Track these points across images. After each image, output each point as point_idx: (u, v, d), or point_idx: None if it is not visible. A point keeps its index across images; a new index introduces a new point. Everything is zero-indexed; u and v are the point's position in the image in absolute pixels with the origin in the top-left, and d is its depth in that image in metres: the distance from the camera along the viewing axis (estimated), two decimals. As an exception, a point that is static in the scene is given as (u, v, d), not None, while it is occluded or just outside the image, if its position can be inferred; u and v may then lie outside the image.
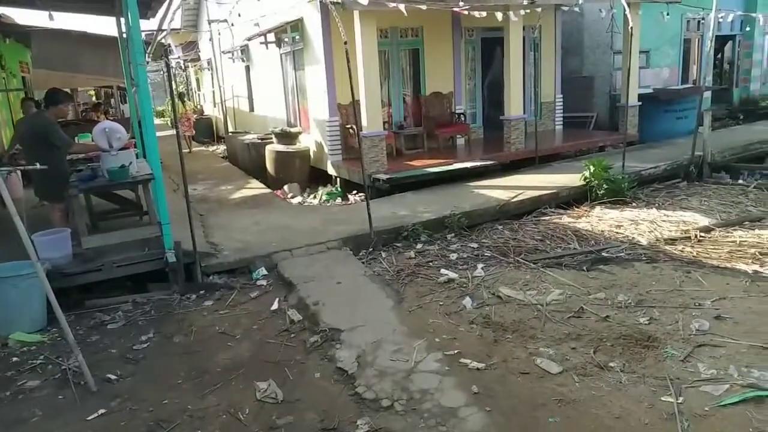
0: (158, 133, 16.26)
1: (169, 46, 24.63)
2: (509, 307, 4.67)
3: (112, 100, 24.78)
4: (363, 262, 5.98)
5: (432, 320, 4.50)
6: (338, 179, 10.31)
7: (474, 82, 12.19)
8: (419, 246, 6.51)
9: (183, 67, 27.25)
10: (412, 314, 4.65)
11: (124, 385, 3.96)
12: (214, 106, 21.17)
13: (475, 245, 6.45)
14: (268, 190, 9.94)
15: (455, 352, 3.93)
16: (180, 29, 21.73)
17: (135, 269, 5.69)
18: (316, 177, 10.99)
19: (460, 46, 11.52)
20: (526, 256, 5.89)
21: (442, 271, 5.55)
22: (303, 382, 3.81)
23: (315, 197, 10.09)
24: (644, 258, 5.67)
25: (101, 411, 3.61)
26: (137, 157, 6.46)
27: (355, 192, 9.60)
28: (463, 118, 11.48)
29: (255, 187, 10.24)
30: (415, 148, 11.07)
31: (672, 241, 6.19)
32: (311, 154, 11.12)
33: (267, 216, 7.77)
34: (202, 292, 5.63)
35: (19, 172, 5.38)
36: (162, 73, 33.43)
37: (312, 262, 5.91)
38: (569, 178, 8.72)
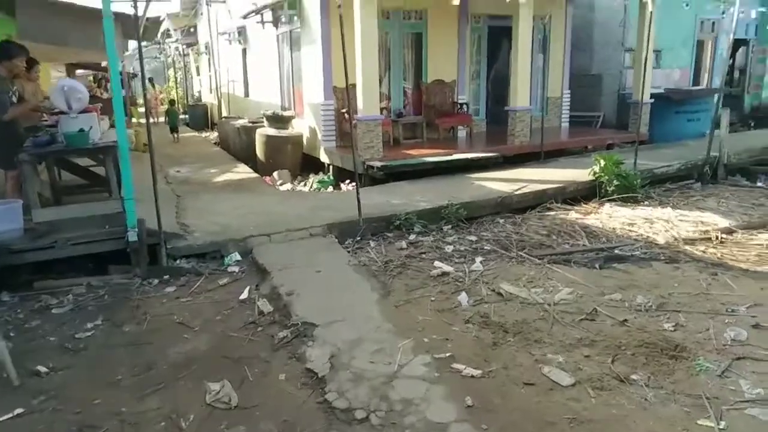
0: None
1: (168, 30, 24.02)
2: (511, 305, 4.06)
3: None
4: (348, 251, 5.37)
5: (422, 317, 3.89)
6: (331, 167, 9.70)
7: (479, 72, 11.59)
8: (412, 237, 5.90)
9: (182, 53, 26.56)
10: (399, 310, 4.04)
11: (53, 379, 3.35)
12: (210, 92, 20.55)
13: (473, 238, 5.84)
14: (256, 176, 9.32)
15: (447, 355, 3.32)
16: (179, 12, 21.14)
17: (92, 248, 5.07)
18: (308, 165, 10.38)
19: (466, 33, 10.91)
20: (530, 251, 5.28)
21: (436, 263, 4.95)
22: (264, 385, 3.20)
23: (306, 185, 9.49)
24: (663, 258, 5.06)
25: (18, 410, 2.99)
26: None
27: (348, 181, 8.98)
28: (465, 109, 10.87)
29: (242, 172, 9.63)
30: (414, 137, 10.46)
31: (691, 241, 5.59)
32: (304, 140, 10.51)
33: (250, 200, 7.16)
34: (166, 277, 5.02)
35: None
36: (161, 59, 32.93)
37: (291, 248, 5.30)
38: (576, 173, 8.13)
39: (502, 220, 6.53)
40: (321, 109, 9.63)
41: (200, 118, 19.99)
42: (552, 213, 6.83)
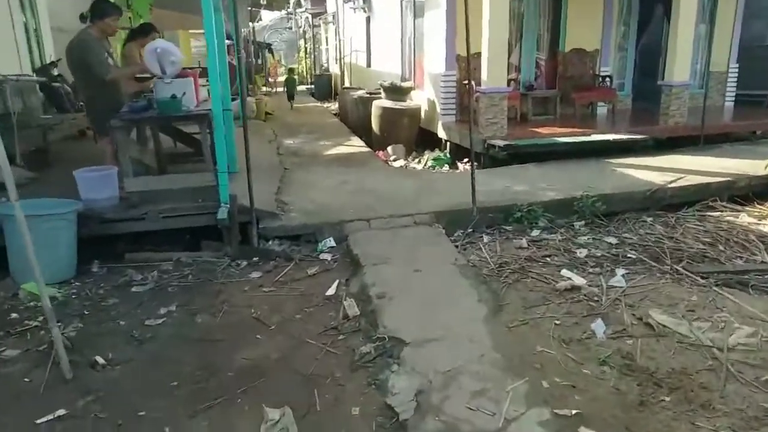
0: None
1: (299, 0, 24.27)
2: (665, 344, 3.06)
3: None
4: (457, 246, 4.58)
5: (541, 347, 3.03)
6: (448, 144, 8.88)
7: (626, 40, 10.01)
8: (535, 233, 4.97)
9: (311, 23, 26.74)
10: (512, 333, 3.21)
11: (109, 375, 2.98)
12: (336, 62, 20.42)
13: (613, 240, 4.78)
14: (368, 150, 8.75)
15: (573, 413, 2.45)
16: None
17: (184, 222, 4.77)
18: (425, 140, 9.64)
19: (614, -6, 9.41)
20: (690, 266, 4.14)
21: (564, 272, 4.01)
22: (332, 417, 2.57)
23: (420, 162, 8.78)
24: None
25: (60, 412, 2.63)
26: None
27: (466, 160, 8.10)
28: (608, 83, 9.43)
29: (355, 145, 9.11)
30: (545, 113, 9.25)
31: None
32: (422, 113, 9.76)
33: (357, 177, 6.59)
34: (255, 259, 4.59)
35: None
36: (294, 30, 33.65)
37: (391, 238, 4.62)
38: (746, 165, 6.60)
39: (650, 219, 5.35)
40: (441, 80, 8.79)
41: (324, 88, 19.94)
42: (716, 214, 5.50)
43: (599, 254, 4.43)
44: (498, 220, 5.20)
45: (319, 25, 26.32)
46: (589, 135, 7.66)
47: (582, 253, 4.42)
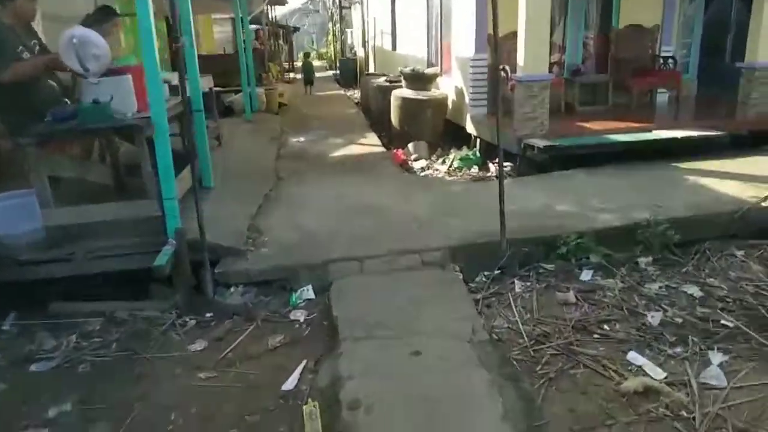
0: (318, 74, 14.84)
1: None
2: None
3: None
4: (477, 301, 3.35)
5: None
6: (478, 141, 7.58)
7: (692, 15, 8.43)
8: (586, 276, 3.69)
9: (340, 5, 25.43)
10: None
11: None
12: (362, 46, 19.15)
13: (695, 291, 3.45)
14: (382, 150, 7.51)
15: None
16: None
17: (119, 264, 3.67)
18: (453, 134, 8.35)
19: (680, -41, 7.85)
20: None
21: (631, 355, 2.74)
22: None
23: (445, 162, 7.51)
24: None
25: None
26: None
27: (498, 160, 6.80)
28: (671, 65, 7.90)
29: (368, 144, 7.89)
30: (594, 103, 7.83)
31: None
32: (449, 103, 8.45)
33: (360, 188, 5.39)
34: (208, 315, 3.48)
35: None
36: (322, 13, 32.47)
37: (388, 288, 3.42)
38: None
39: (740, 253, 3.98)
40: (470, 65, 7.47)
41: (350, 73, 18.73)
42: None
43: (678, 318, 3.12)
44: (535, 254, 3.93)
45: (348, 7, 25.04)
46: (651, 131, 6.26)
47: (654, 318, 3.11)
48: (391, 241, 3.96)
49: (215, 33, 19.41)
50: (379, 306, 3.19)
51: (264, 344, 3.09)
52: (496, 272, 3.73)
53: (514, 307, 3.29)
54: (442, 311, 3.13)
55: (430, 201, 4.90)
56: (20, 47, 3.55)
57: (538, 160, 5.89)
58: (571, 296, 3.38)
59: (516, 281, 3.65)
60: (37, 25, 3.83)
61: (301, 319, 3.31)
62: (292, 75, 20.43)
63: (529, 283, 3.62)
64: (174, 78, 5.12)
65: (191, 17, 4.68)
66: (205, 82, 6.91)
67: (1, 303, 3.62)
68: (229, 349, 3.05)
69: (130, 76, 3.63)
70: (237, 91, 9.61)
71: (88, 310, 3.64)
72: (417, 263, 3.71)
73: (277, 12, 24.65)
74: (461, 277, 3.58)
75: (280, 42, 21.12)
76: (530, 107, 6.12)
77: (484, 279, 3.66)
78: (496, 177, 6.61)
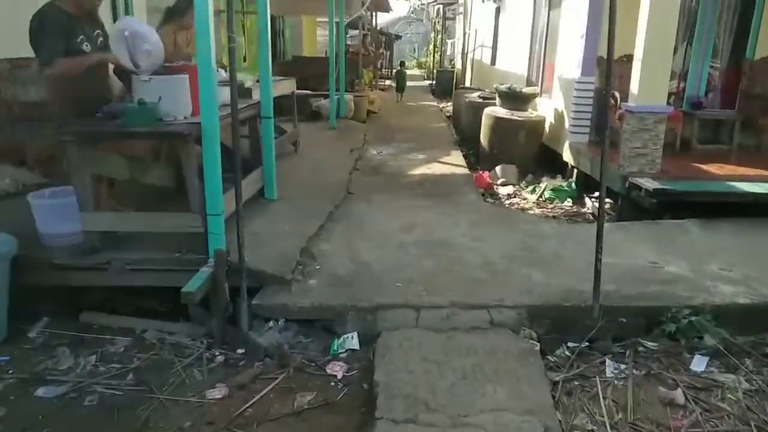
0: (410, 83, 14.97)
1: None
2: None
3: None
4: (554, 388, 2.68)
5: None
6: (575, 171, 6.79)
7: None
8: (699, 366, 2.91)
9: (442, 15, 24.95)
10: None
11: None
12: (460, 58, 18.56)
13: None
14: (465, 172, 6.88)
15: None
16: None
17: (155, 279, 3.36)
18: (547, 160, 7.62)
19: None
20: None
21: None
22: None
23: (535, 190, 6.80)
24: None
25: None
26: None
27: (596, 195, 5.97)
28: (818, 105, 6.71)
29: (450, 164, 7.29)
30: (716, 142, 6.81)
31: None
32: (546, 126, 7.72)
33: (433, 217, 4.82)
34: (240, 351, 3.06)
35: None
36: (425, 23, 32.18)
37: (445, 351, 2.83)
38: None
39: None
40: (575, 87, 6.73)
41: (446, 84, 18.17)
42: None
43: (834, 454, 2.31)
44: (633, 327, 3.19)
45: (453, 18, 24.51)
46: (789, 182, 5.23)
47: (798, 448, 2.33)
48: (456, 289, 3.36)
49: (318, 36, 19.52)
50: (430, 377, 2.62)
51: (290, 403, 2.61)
52: (584, 345, 3.04)
53: (602, 400, 2.60)
54: (507, 395, 2.50)
55: (511, 242, 4.23)
56: (80, 37, 3.32)
57: (645, 205, 5.06)
58: (678, 395, 2.63)
59: (608, 360, 2.94)
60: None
61: (339, 376, 2.80)
62: (387, 82, 20.20)
63: (624, 366, 2.90)
64: (249, 81, 4.86)
65: (268, 16, 4.34)
66: (288, 86, 6.64)
67: (34, 306, 3.43)
68: (249, 404, 2.59)
69: (186, 76, 3.29)
70: (327, 96, 9.35)
71: (116, 325, 3.36)
72: (484, 322, 3.09)
73: (383, 19, 24.63)
74: (538, 347, 2.93)
75: (381, 50, 20.95)
76: (641, 142, 5.31)
77: (567, 353, 2.99)
78: (593, 215, 5.93)
